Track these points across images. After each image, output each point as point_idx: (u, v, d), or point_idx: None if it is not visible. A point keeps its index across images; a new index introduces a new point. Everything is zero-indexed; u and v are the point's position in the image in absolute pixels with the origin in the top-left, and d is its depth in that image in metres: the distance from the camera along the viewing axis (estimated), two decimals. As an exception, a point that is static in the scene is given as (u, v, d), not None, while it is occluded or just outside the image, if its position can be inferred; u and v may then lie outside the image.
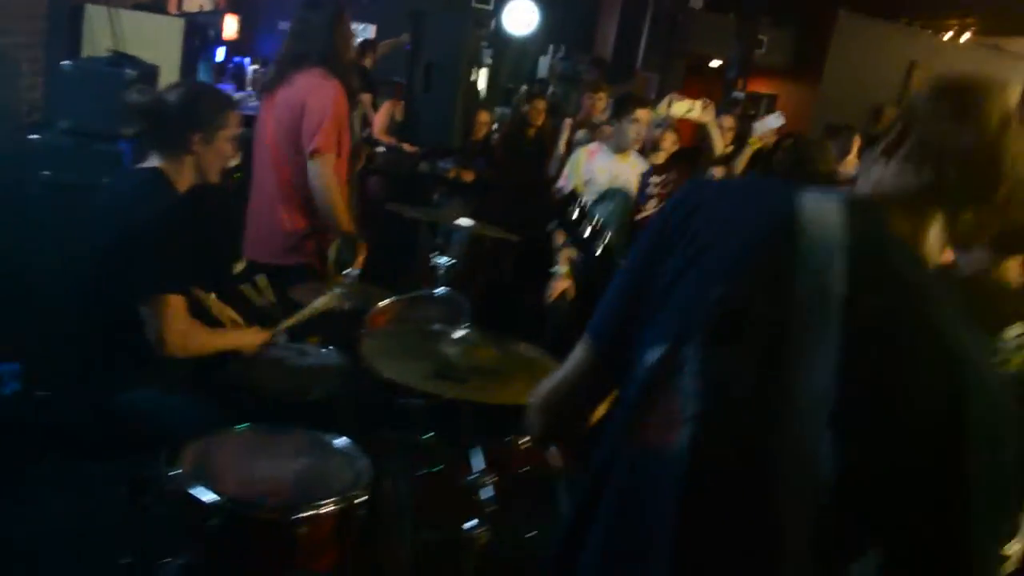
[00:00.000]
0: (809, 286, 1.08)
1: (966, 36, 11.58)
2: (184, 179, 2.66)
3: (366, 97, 6.59)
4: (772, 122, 5.44)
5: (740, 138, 5.63)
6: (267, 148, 3.58)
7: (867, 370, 1.05)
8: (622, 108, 4.57)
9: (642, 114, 4.50)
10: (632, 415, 1.22)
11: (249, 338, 2.78)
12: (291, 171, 3.51)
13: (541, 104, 6.24)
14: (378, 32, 11.03)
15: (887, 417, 1.05)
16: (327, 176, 3.44)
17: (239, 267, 3.56)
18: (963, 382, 1.04)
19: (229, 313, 2.95)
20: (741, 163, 5.43)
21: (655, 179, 4.91)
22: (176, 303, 2.49)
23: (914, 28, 11.43)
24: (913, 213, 1.16)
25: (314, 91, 3.46)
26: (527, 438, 2.85)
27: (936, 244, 1.17)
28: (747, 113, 8.87)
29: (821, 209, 1.13)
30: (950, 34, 11.58)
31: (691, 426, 1.12)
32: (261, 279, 3.13)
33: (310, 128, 3.41)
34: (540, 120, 6.16)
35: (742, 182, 1.72)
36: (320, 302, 2.93)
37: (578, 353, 1.37)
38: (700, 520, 1.13)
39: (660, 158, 5.06)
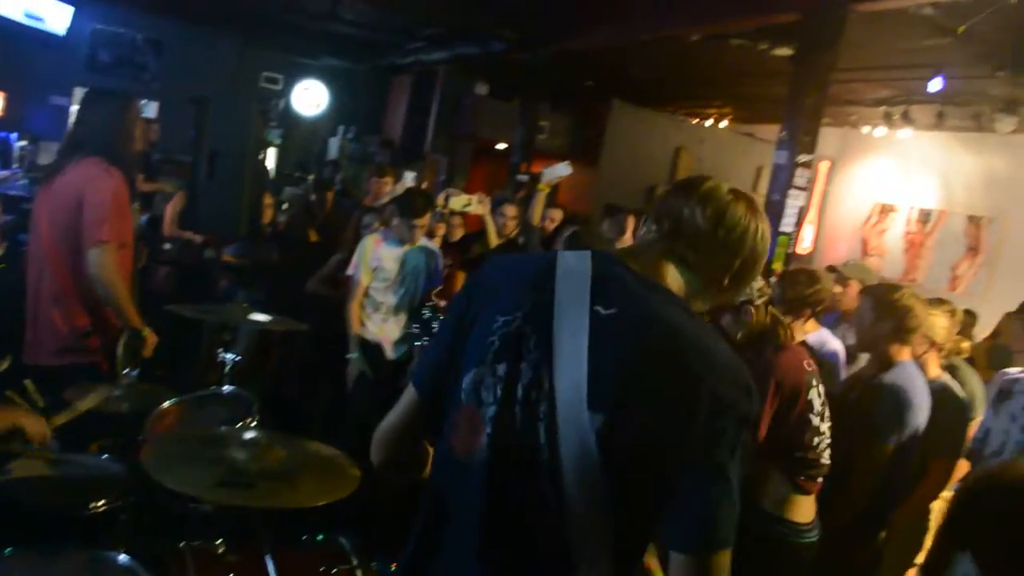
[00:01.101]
0: (565, 305, 1.42)
1: (724, 123, 12.73)
2: None
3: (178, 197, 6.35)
4: (561, 170, 5.85)
5: (525, 224, 5.94)
6: (41, 242, 3.40)
7: (609, 357, 1.37)
8: (405, 209, 4.64)
9: (422, 221, 4.64)
10: (450, 433, 1.52)
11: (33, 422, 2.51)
12: (66, 266, 3.35)
13: (330, 195, 6.35)
14: (160, 112, 10.69)
15: (631, 392, 1.35)
16: (108, 267, 3.29)
17: (3, 365, 3.29)
18: (690, 357, 1.36)
19: None
20: (537, 208, 5.91)
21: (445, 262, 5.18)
22: None
23: (678, 117, 12.45)
24: (651, 259, 1.54)
25: (92, 182, 3.34)
26: (321, 537, 2.81)
27: (675, 283, 1.53)
28: (529, 195, 9.28)
29: (574, 257, 1.50)
30: (710, 121, 12.69)
31: (489, 427, 1.44)
32: (28, 384, 2.92)
33: (90, 219, 3.28)
34: (328, 208, 6.25)
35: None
36: (85, 402, 2.75)
37: (405, 398, 1.66)
38: (502, 505, 1.42)
39: (436, 243, 5.29)
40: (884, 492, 3.31)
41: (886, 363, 3.31)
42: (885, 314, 3.30)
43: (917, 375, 3.33)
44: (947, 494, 3.56)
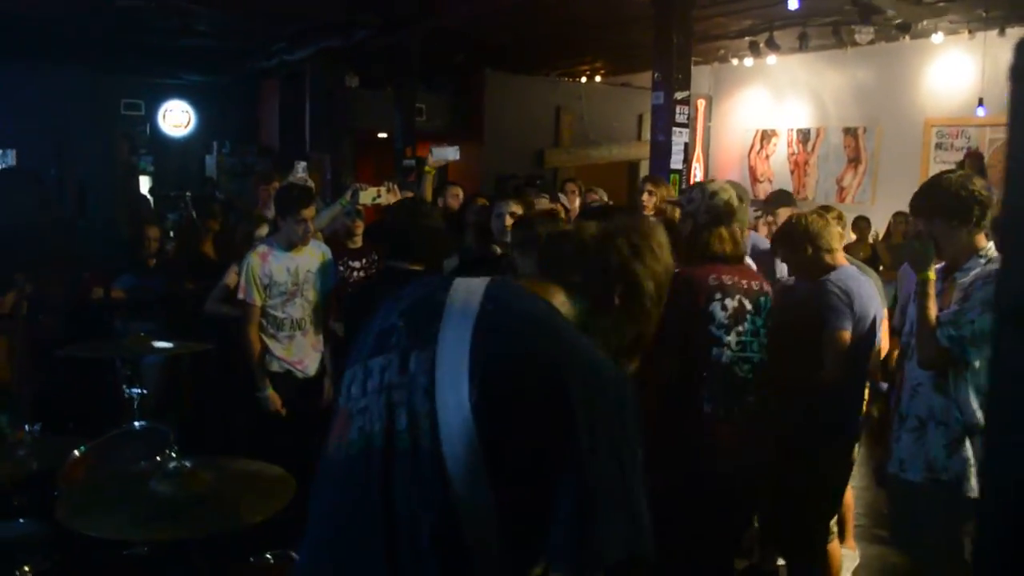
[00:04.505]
0: (449, 308, 1.40)
1: (598, 78, 12.80)
2: None
3: None
4: (449, 154, 5.75)
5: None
6: None
7: (485, 355, 1.32)
8: (286, 206, 4.34)
9: (308, 212, 4.32)
10: (327, 438, 1.48)
11: None
12: None
13: (215, 224, 6.07)
14: (18, 159, 10.10)
15: (506, 384, 1.30)
16: None
17: None
18: (561, 358, 1.33)
19: None
20: (427, 190, 5.87)
21: (356, 263, 4.99)
22: None
23: (553, 78, 12.47)
24: (541, 285, 1.54)
25: None
26: (269, 555, 2.72)
27: (565, 307, 1.51)
28: (418, 178, 9.17)
29: (470, 280, 1.49)
30: (584, 79, 12.76)
31: (359, 419, 1.40)
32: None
33: None
34: (216, 227, 5.99)
35: None
36: None
37: None
38: (377, 499, 1.32)
39: (357, 243, 5.09)
40: (848, 392, 3.51)
41: (819, 273, 3.51)
42: (798, 246, 3.51)
43: (858, 273, 3.59)
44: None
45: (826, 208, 4.41)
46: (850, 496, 4.19)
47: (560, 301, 1.52)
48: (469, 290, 1.44)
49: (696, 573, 3.22)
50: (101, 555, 2.63)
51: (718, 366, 3.10)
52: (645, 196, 5.03)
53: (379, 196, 5.27)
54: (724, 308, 3.10)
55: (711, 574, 3.36)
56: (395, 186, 5.49)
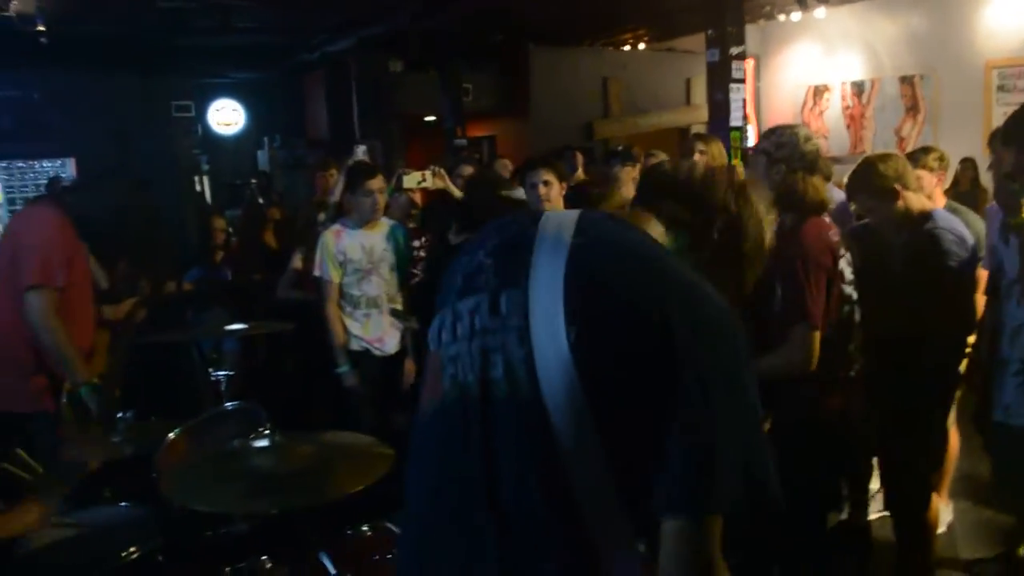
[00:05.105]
0: (539, 243, 1.31)
1: (642, 46, 12.63)
2: None
3: None
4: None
5: None
6: None
7: (581, 292, 1.23)
8: (353, 181, 4.40)
9: (374, 183, 4.35)
10: (421, 390, 1.41)
11: (22, 519, 2.38)
12: (11, 311, 3.20)
13: (276, 212, 6.09)
14: (78, 167, 10.32)
15: (604, 322, 1.21)
16: (41, 311, 3.13)
17: None
18: (663, 291, 1.24)
19: None
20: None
21: (415, 243, 4.99)
22: None
23: (597, 48, 12.34)
24: (636, 215, 1.52)
25: (27, 225, 3.28)
26: (366, 527, 2.72)
27: (661, 239, 1.46)
28: (473, 156, 9.18)
29: (560, 212, 1.44)
30: (627, 47, 12.59)
31: (449, 367, 1.31)
32: (20, 452, 2.77)
33: (23, 263, 3.16)
34: (278, 216, 6.01)
35: None
36: (89, 457, 2.65)
37: None
38: (477, 450, 1.24)
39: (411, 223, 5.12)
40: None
41: (920, 220, 3.23)
42: (880, 195, 3.25)
43: (949, 214, 3.32)
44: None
45: (926, 150, 4.19)
46: (955, 442, 4.00)
47: (658, 233, 1.47)
48: (560, 223, 1.35)
49: (792, 526, 3.13)
50: (201, 534, 2.66)
51: (851, 326, 2.85)
52: (697, 156, 4.86)
53: (424, 180, 5.32)
54: (849, 263, 2.86)
55: (807, 529, 3.26)
56: (440, 170, 5.49)
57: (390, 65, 11.33)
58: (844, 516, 4.15)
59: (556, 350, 1.20)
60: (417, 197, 5.80)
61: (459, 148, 9.17)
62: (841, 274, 2.79)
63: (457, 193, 5.33)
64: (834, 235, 2.82)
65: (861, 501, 4.05)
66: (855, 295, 2.84)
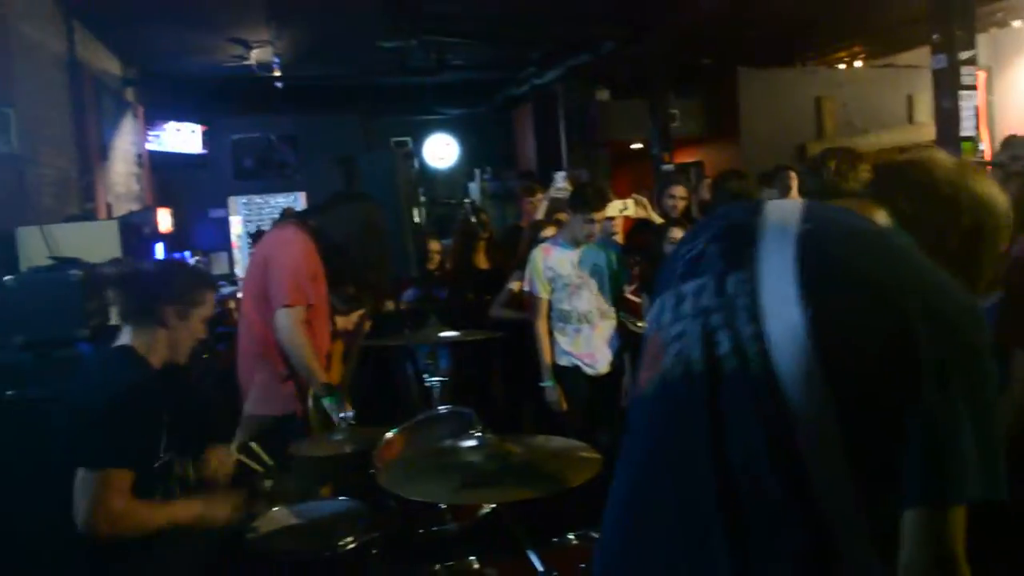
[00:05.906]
0: (765, 229, 1.30)
1: (858, 63, 12.06)
2: (156, 355, 2.53)
3: None
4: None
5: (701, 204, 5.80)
6: (244, 305, 3.69)
7: (815, 264, 1.22)
8: (578, 205, 4.36)
9: (600, 215, 4.32)
10: (640, 373, 1.40)
11: (213, 508, 2.54)
12: (257, 321, 3.52)
13: (485, 216, 6.22)
14: (308, 201, 11.17)
15: (838, 304, 1.18)
16: (291, 329, 3.39)
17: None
18: (899, 279, 1.19)
19: (223, 470, 2.80)
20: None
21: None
22: (117, 479, 2.30)
23: (809, 67, 11.90)
24: (861, 204, 1.43)
25: (277, 246, 3.55)
26: (572, 535, 2.70)
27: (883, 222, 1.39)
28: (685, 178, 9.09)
29: (782, 201, 1.47)
30: (843, 66, 12.06)
31: (674, 345, 1.30)
32: (254, 446, 2.98)
33: (274, 283, 3.42)
34: (487, 235, 6.13)
35: None
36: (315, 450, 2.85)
37: None
38: (722, 419, 1.20)
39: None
40: None
41: None
42: None
43: None
44: None
45: None
46: None
47: (883, 217, 1.40)
48: (784, 211, 1.35)
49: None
50: (414, 531, 2.74)
51: None
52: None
53: (625, 208, 5.33)
54: None
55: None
56: (643, 199, 5.47)
57: (597, 94, 11.47)
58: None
59: (789, 327, 1.18)
60: (619, 224, 5.79)
61: (666, 173, 9.09)
62: None
63: (658, 220, 5.30)
64: None
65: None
66: None
